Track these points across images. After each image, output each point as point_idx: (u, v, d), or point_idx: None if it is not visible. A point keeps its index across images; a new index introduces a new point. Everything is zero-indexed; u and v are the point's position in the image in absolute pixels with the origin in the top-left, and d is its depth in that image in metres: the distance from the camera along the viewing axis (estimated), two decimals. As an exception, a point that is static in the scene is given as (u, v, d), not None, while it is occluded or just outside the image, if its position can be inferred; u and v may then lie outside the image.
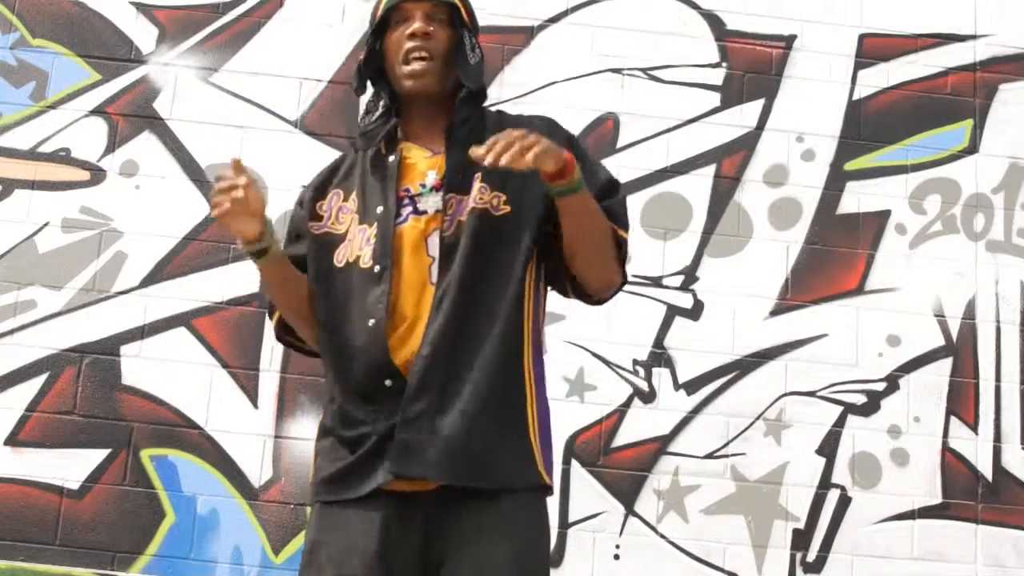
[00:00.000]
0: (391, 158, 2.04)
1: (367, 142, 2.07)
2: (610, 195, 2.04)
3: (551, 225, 1.99)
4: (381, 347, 1.91)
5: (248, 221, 1.95)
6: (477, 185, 1.98)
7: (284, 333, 2.19)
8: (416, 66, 2.01)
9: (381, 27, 2.06)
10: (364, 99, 2.13)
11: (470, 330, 1.91)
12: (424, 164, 2.03)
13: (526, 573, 1.87)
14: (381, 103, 2.08)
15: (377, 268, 1.95)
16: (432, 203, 1.98)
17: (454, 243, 1.94)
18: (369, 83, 2.11)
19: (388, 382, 1.91)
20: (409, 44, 2.01)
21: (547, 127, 2.06)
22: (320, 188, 2.12)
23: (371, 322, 1.93)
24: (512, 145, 1.77)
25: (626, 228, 2.05)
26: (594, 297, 2.09)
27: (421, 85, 2.03)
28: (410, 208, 1.99)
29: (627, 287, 4.08)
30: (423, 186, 2.00)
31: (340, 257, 2.02)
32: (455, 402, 1.88)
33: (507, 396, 1.92)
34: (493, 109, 2.17)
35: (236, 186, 1.92)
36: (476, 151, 1.80)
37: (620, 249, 2.04)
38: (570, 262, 1.99)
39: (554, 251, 2.00)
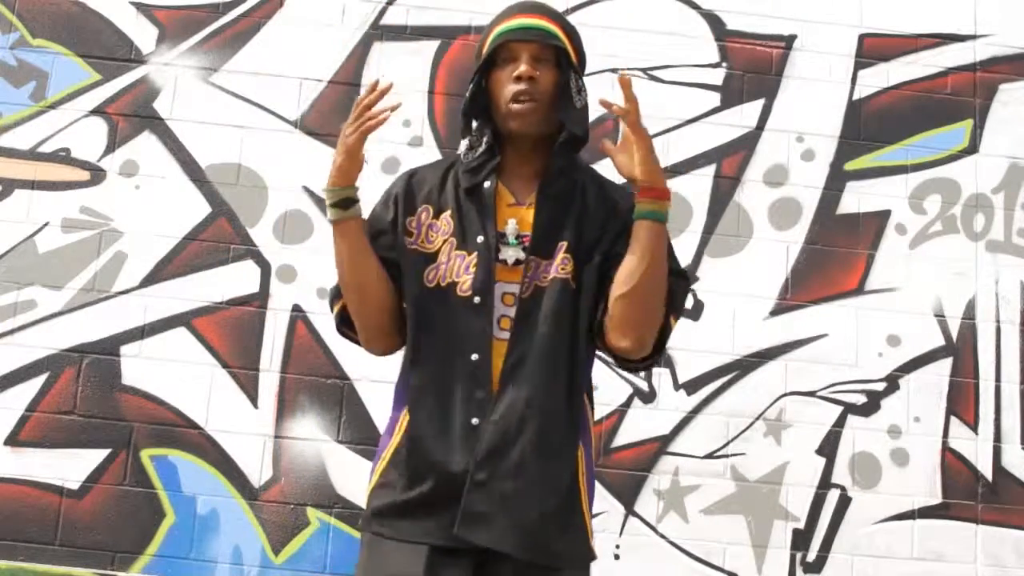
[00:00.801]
0: (487, 184, 2.01)
1: (472, 179, 2.03)
2: (673, 274, 2.00)
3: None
4: (487, 383, 1.92)
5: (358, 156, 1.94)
6: (561, 255, 1.97)
7: (343, 324, 2.13)
8: (521, 106, 2.00)
9: (487, 64, 2.06)
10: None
11: (543, 403, 1.91)
12: (506, 211, 2.02)
13: None
14: (484, 139, 2.04)
15: (477, 299, 1.95)
16: (512, 254, 1.98)
17: (532, 308, 1.94)
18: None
19: (475, 420, 1.91)
20: (515, 87, 2.00)
21: (629, 211, 2.02)
22: (410, 201, 2.06)
23: (474, 356, 1.93)
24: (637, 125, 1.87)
25: (677, 313, 2.01)
26: (621, 357, 2.02)
27: (525, 125, 2.01)
28: (499, 254, 2.00)
29: (627, 287, 4.10)
30: (507, 237, 1.99)
31: (431, 277, 1.99)
32: (524, 474, 1.88)
33: (567, 471, 1.93)
34: (588, 168, 2.13)
35: (385, 112, 1.90)
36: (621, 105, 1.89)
37: (664, 328, 2.00)
38: (615, 303, 1.94)
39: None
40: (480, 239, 1.98)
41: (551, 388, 1.92)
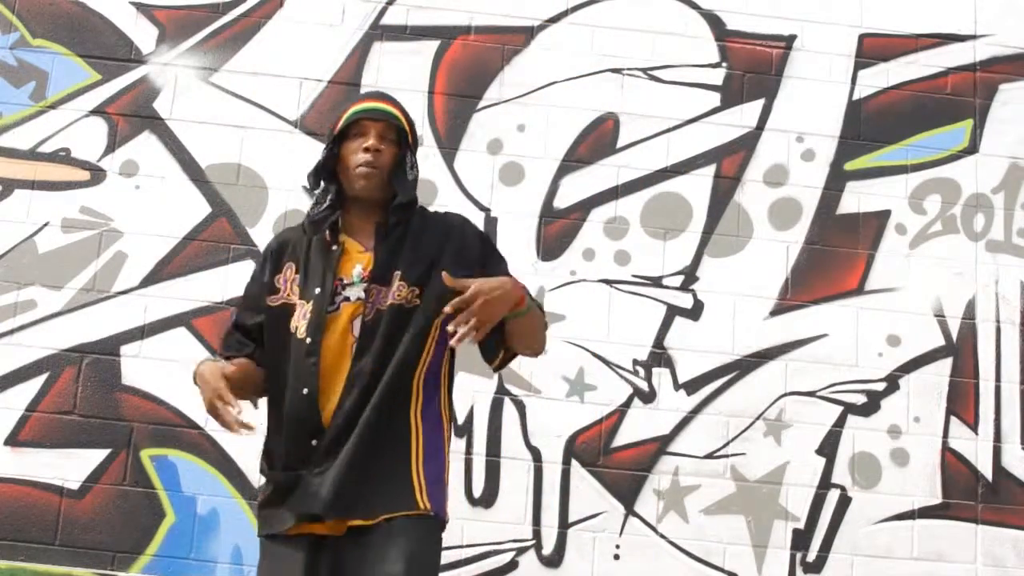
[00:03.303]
0: (334, 247, 2.41)
1: (315, 229, 2.43)
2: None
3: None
4: (314, 412, 2.30)
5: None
6: (396, 282, 2.37)
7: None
8: (365, 171, 2.41)
9: (340, 136, 2.46)
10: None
11: (373, 401, 2.30)
12: (356, 258, 2.41)
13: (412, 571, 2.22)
14: (329, 197, 2.44)
15: (309, 340, 2.33)
16: (355, 292, 2.37)
17: (373, 329, 2.33)
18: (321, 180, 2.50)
19: (314, 442, 2.30)
20: (362, 156, 2.41)
21: (461, 226, 2.49)
22: (276, 261, 2.47)
23: (304, 391, 2.31)
24: (474, 321, 2.22)
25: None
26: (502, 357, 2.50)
27: (367, 188, 2.42)
28: (343, 295, 2.38)
29: (627, 287, 4.12)
30: (354, 277, 2.38)
31: (292, 325, 2.38)
32: (350, 457, 2.27)
33: (392, 445, 2.31)
34: (421, 208, 2.52)
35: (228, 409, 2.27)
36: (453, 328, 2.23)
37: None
38: (513, 347, 2.44)
39: (493, 335, 2.36)
40: (317, 291, 2.37)
41: (382, 390, 2.30)
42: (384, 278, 2.38)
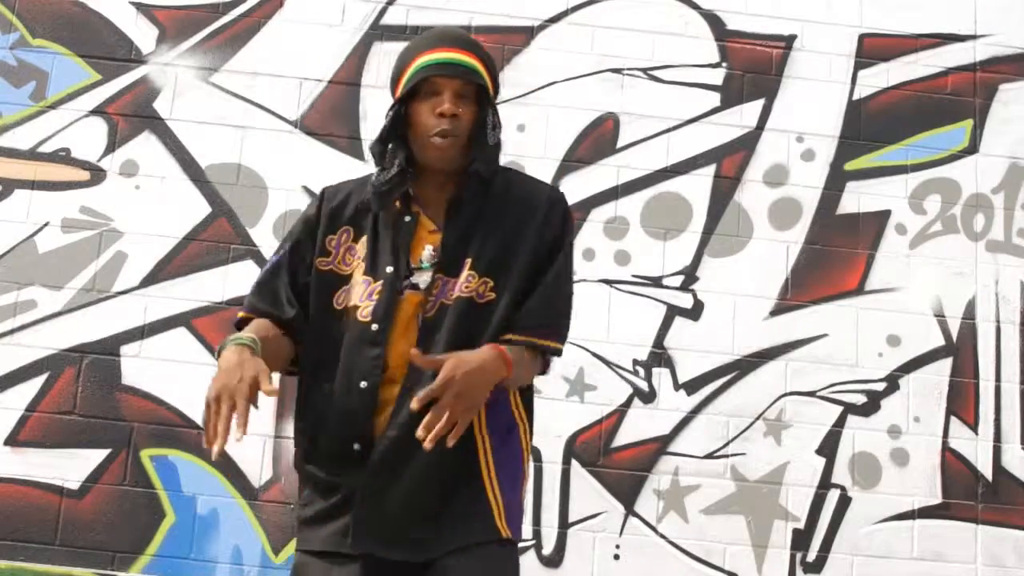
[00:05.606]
0: (407, 218, 2.06)
1: (381, 202, 2.07)
2: (551, 320, 2.05)
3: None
4: (368, 412, 1.97)
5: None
6: (466, 272, 2.01)
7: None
8: (442, 141, 2.03)
9: (408, 93, 2.07)
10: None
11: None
12: (427, 238, 2.06)
13: None
14: (396, 163, 2.06)
15: (375, 327, 1.99)
16: (424, 280, 2.02)
17: (434, 327, 1.98)
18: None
19: (356, 446, 1.97)
20: (437, 122, 2.03)
21: (549, 202, 2.10)
22: (332, 220, 2.12)
23: (363, 384, 1.97)
24: (446, 419, 1.81)
25: (558, 336, 2.07)
26: None
27: (444, 160, 2.06)
28: (410, 281, 2.03)
29: (627, 287, 4.12)
30: (422, 261, 2.04)
31: (340, 300, 2.05)
32: (406, 481, 1.94)
33: (458, 468, 1.96)
34: (504, 170, 2.17)
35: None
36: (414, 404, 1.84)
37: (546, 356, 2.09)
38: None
39: None
40: (389, 269, 2.03)
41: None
42: (453, 266, 2.02)
